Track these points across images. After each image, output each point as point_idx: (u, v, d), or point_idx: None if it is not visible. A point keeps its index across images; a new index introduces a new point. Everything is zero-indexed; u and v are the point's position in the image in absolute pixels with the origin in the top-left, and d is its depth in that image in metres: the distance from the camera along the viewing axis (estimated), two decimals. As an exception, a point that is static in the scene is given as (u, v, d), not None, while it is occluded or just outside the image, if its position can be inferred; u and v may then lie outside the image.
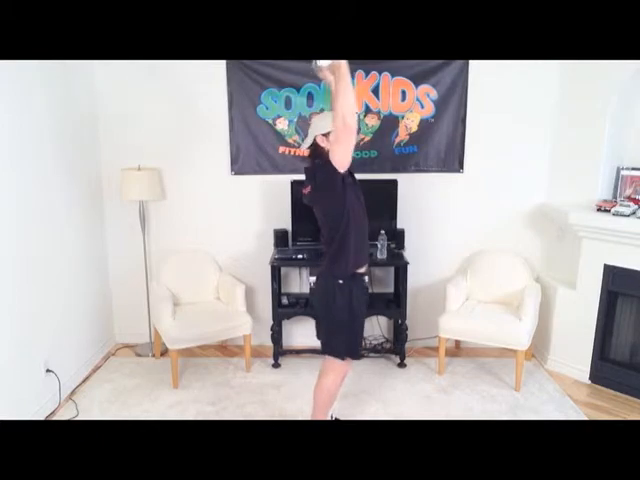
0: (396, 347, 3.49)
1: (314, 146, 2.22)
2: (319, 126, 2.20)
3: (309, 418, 2.48)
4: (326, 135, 2.16)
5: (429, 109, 3.43)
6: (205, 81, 3.42)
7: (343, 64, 1.99)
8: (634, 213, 2.94)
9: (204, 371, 3.35)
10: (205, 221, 3.62)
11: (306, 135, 2.30)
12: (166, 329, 3.08)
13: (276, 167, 3.52)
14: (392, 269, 3.60)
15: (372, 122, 3.45)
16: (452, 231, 3.62)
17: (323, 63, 2.11)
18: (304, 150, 2.36)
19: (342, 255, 2.24)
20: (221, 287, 3.54)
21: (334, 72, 2.04)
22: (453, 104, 3.42)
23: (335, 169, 2.11)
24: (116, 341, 3.79)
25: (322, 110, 3.41)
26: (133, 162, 3.43)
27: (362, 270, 2.35)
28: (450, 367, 3.39)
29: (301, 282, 3.66)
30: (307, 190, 2.30)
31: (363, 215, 2.31)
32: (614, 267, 3.03)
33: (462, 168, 3.52)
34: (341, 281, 2.25)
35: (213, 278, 3.57)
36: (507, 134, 3.46)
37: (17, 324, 2.59)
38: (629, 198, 3.08)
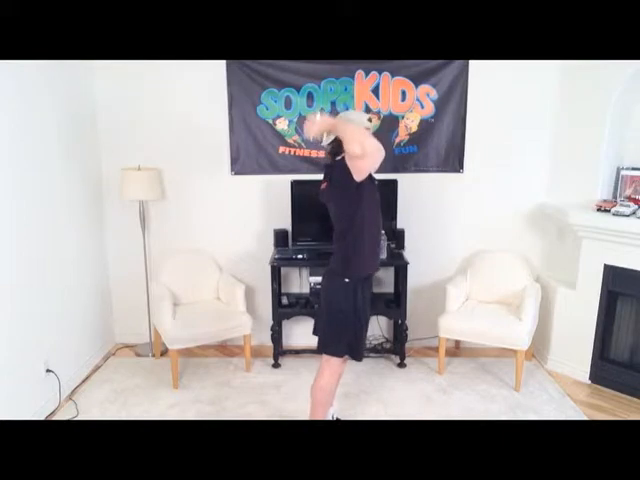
0: (396, 347, 3.49)
1: (336, 143, 2.17)
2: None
3: (308, 418, 2.48)
4: None
5: (429, 109, 3.43)
6: (205, 81, 3.42)
7: (334, 123, 2.13)
8: (634, 213, 2.94)
9: (204, 371, 3.35)
10: (205, 221, 3.62)
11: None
12: (166, 329, 3.08)
13: (276, 167, 3.52)
14: (392, 269, 3.59)
15: (372, 122, 3.44)
16: (452, 231, 3.62)
17: (324, 141, 2.21)
18: (325, 146, 2.27)
19: (355, 256, 2.21)
20: (221, 287, 3.54)
21: (331, 132, 2.15)
22: (453, 104, 3.42)
23: None
24: (116, 341, 3.79)
25: (322, 110, 3.41)
26: (133, 162, 3.43)
27: (372, 272, 2.34)
28: (450, 367, 3.39)
29: (301, 282, 3.66)
30: (324, 186, 2.29)
31: (377, 217, 2.28)
32: (614, 267, 3.03)
33: (462, 168, 3.52)
34: (347, 280, 2.23)
35: (213, 278, 3.57)
36: (507, 134, 3.46)
37: (17, 324, 2.59)
38: (629, 198, 3.08)
